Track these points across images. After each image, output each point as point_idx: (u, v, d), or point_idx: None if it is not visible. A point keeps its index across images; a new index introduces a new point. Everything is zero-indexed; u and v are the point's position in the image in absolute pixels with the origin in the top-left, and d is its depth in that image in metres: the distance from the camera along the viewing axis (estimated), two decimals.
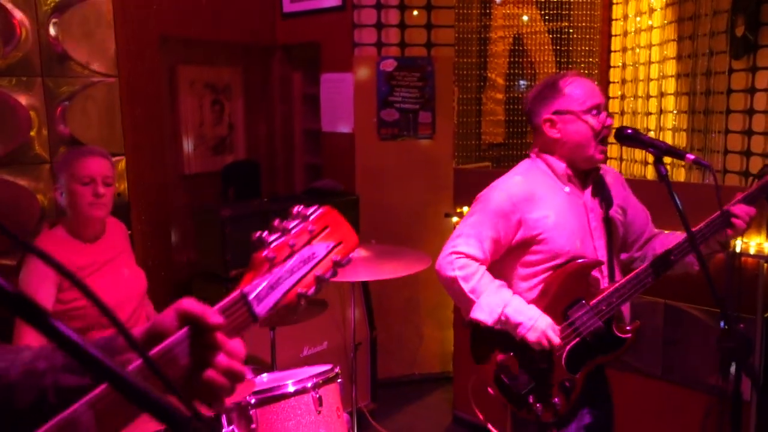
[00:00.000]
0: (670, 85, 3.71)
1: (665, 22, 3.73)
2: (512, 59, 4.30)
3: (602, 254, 2.03)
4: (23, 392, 0.87)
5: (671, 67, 3.68)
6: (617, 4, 4.21)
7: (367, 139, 4.03)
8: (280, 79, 4.47)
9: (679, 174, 3.55)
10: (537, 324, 1.90)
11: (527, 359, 1.96)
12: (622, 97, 4.19)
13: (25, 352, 0.91)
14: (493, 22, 4.28)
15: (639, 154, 3.94)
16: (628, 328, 2.02)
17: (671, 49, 3.67)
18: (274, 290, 0.90)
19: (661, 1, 3.78)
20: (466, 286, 1.95)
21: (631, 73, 4.08)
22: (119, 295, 2.34)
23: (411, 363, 4.21)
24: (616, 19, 4.22)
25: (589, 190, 2.05)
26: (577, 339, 1.96)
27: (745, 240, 2.58)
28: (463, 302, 2.00)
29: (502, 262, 2.04)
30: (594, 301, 1.97)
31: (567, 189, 2.02)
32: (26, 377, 0.87)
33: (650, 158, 1.92)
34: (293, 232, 0.93)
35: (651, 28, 3.87)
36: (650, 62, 3.89)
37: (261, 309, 0.88)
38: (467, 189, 3.32)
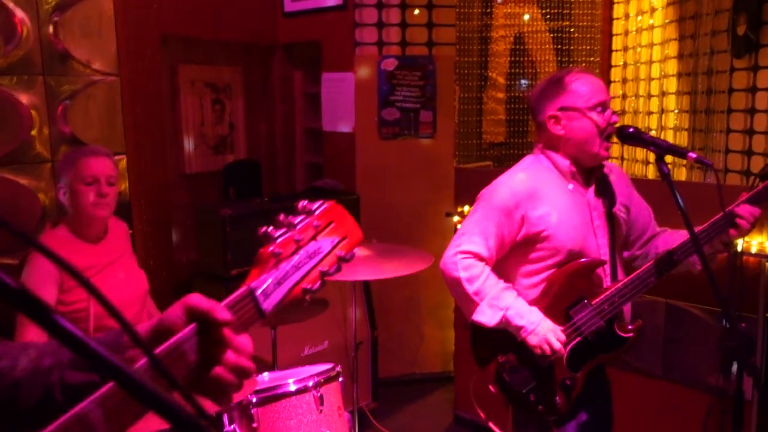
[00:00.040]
0: (672, 85, 3.70)
1: (666, 21, 3.72)
2: (513, 58, 4.29)
3: (605, 252, 2.03)
4: (29, 389, 0.86)
5: (672, 67, 3.68)
6: (618, 3, 4.20)
7: (368, 138, 4.03)
8: (280, 79, 4.47)
9: (680, 173, 3.54)
10: (538, 328, 1.90)
11: (528, 358, 1.96)
12: (624, 96, 4.18)
13: (30, 349, 0.89)
14: (494, 21, 4.27)
15: (640, 153, 3.93)
16: (629, 327, 2.02)
17: (672, 48, 3.66)
18: (281, 286, 0.89)
19: (662, 0, 3.77)
20: (470, 288, 1.94)
21: (633, 73, 4.07)
22: (121, 298, 2.32)
23: (412, 362, 4.21)
24: (618, 18, 4.21)
25: (592, 188, 2.04)
26: (579, 338, 1.97)
27: (746, 239, 2.58)
28: (465, 304, 1.98)
29: (505, 260, 2.03)
30: (596, 300, 1.96)
31: (570, 186, 2.01)
32: (32, 374, 0.86)
33: (651, 157, 1.91)
34: (299, 227, 0.92)
35: (652, 27, 3.86)
36: (651, 61, 3.88)
37: (268, 304, 0.88)
38: (468, 188, 3.32)
